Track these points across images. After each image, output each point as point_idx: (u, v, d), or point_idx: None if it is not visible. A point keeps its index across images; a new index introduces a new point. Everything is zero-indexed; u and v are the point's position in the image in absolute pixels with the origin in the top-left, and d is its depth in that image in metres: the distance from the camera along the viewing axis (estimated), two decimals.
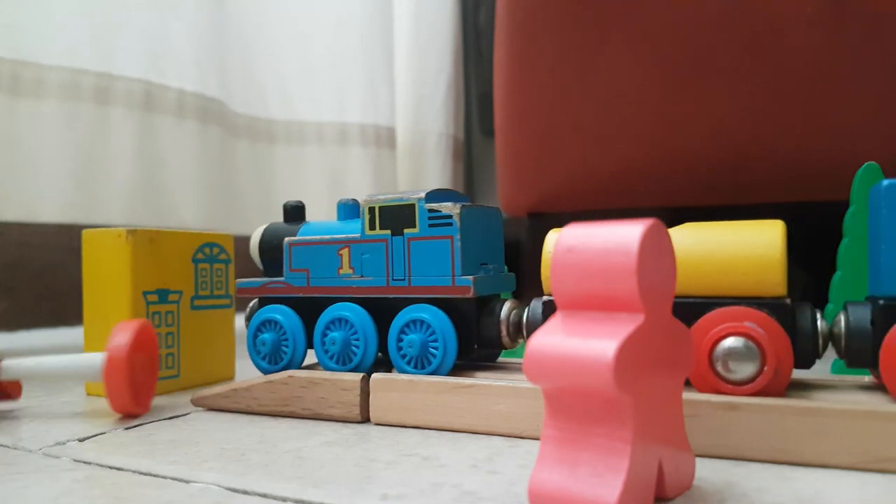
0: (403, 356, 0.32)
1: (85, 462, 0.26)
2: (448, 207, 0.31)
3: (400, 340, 0.32)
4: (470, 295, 0.31)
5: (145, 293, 0.39)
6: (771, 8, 0.47)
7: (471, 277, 0.31)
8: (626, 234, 0.19)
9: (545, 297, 0.30)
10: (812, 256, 0.39)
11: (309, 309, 0.35)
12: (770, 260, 0.26)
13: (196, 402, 0.36)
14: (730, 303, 0.26)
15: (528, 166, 0.62)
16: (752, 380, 0.25)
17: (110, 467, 0.26)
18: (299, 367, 0.35)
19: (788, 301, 0.25)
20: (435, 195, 0.33)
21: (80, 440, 0.30)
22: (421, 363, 0.32)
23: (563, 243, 0.20)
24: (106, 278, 0.39)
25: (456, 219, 0.31)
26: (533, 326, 0.30)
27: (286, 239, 0.36)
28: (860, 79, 0.45)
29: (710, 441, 0.25)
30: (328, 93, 0.93)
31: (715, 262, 0.27)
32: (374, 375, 0.32)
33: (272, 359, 0.35)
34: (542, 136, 0.60)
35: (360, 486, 0.23)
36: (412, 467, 0.25)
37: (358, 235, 0.34)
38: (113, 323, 0.35)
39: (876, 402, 0.24)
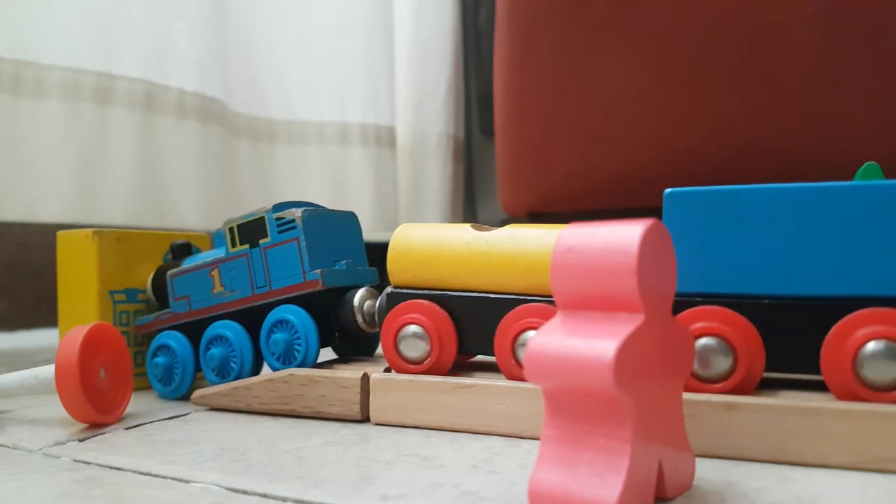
0: (273, 354, 0.35)
1: (85, 462, 0.26)
2: (292, 213, 0.35)
3: (269, 340, 0.35)
4: (319, 287, 0.34)
5: (112, 293, 0.40)
6: (771, 8, 0.47)
7: (318, 271, 0.34)
8: (626, 234, 0.19)
9: (389, 289, 0.33)
10: None
11: (196, 331, 0.38)
12: None
13: (196, 401, 0.36)
14: (537, 300, 0.29)
15: (527, 166, 0.62)
16: None
17: (110, 467, 0.26)
18: (188, 387, 0.38)
19: None
20: (283, 205, 0.36)
21: (80, 440, 0.30)
22: (288, 359, 0.35)
23: (563, 243, 0.20)
24: (76, 279, 0.40)
25: (299, 222, 0.35)
26: (382, 314, 0.33)
27: (168, 273, 0.39)
28: (860, 79, 0.45)
29: (710, 441, 0.25)
30: (329, 93, 0.93)
31: (525, 262, 0.30)
32: (375, 375, 0.32)
33: (165, 381, 0.39)
34: (542, 136, 0.60)
35: (360, 485, 0.23)
36: (412, 467, 0.25)
37: (224, 255, 0.37)
38: (83, 323, 0.34)
39: (876, 402, 0.24)
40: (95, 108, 0.65)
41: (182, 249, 0.41)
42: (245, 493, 0.22)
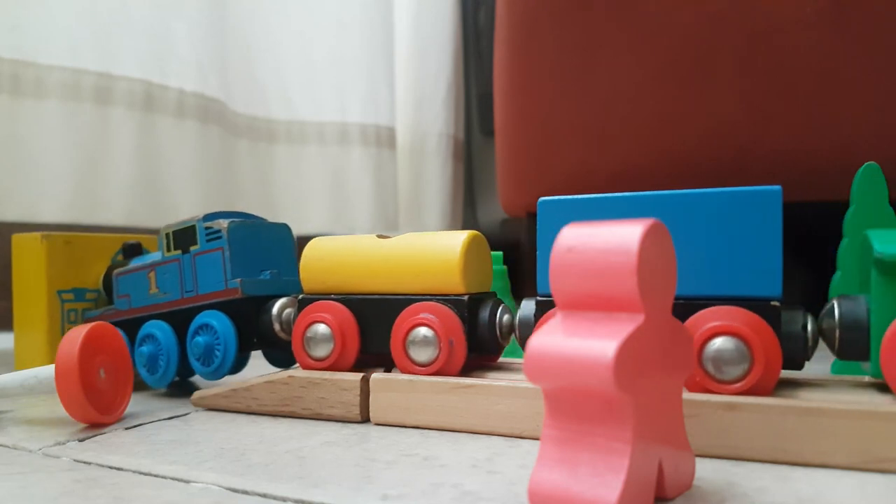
0: (195, 356, 0.37)
1: (85, 462, 0.26)
2: (219, 224, 0.37)
3: (192, 343, 0.37)
4: (239, 295, 0.36)
5: (60, 292, 0.42)
6: (771, 7, 0.47)
7: (238, 280, 0.36)
8: (626, 234, 0.19)
9: (301, 295, 0.35)
10: (812, 256, 0.39)
11: (134, 329, 0.40)
12: (451, 264, 0.31)
13: (196, 402, 0.36)
14: (421, 299, 0.32)
15: (528, 166, 0.62)
16: (431, 362, 0.31)
17: (110, 467, 0.26)
18: (173, 375, 0.39)
19: (466, 298, 0.31)
20: (214, 215, 0.38)
21: (80, 440, 0.30)
22: (208, 361, 0.37)
23: (562, 243, 0.20)
24: (28, 280, 0.42)
25: (224, 233, 0.37)
26: (281, 318, 0.36)
27: (114, 272, 0.42)
28: (860, 78, 0.45)
29: (710, 441, 0.25)
30: (329, 93, 0.93)
31: (417, 265, 0.32)
32: (374, 375, 0.32)
33: (151, 369, 0.40)
34: (542, 136, 0.60)
35: (360, 486, 0.23)
36: (412, 467, 0.25)
37: (160, 258, 0.40)
38: (33, 325, 0.35)
39: (876, 402, 0.24)
40: (95, 108, 0.65)
41: (132, 249, 0.44)
42: (245, 493, 0.22)
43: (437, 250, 0.32)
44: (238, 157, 0.83)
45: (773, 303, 0.25)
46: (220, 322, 0.36)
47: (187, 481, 0.24)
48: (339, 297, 0.34)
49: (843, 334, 0.25)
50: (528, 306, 0.31)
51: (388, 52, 1.00)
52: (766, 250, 0.25)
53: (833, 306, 0.26)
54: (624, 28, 0.52)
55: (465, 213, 1.15)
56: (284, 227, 0.40)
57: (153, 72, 0.70)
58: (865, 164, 0.28)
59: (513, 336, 0.32)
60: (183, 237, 0.39)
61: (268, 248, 0.39)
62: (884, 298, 0.24)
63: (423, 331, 0.31)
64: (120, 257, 0.45)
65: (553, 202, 0.29)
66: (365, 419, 0.32)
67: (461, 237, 0.32)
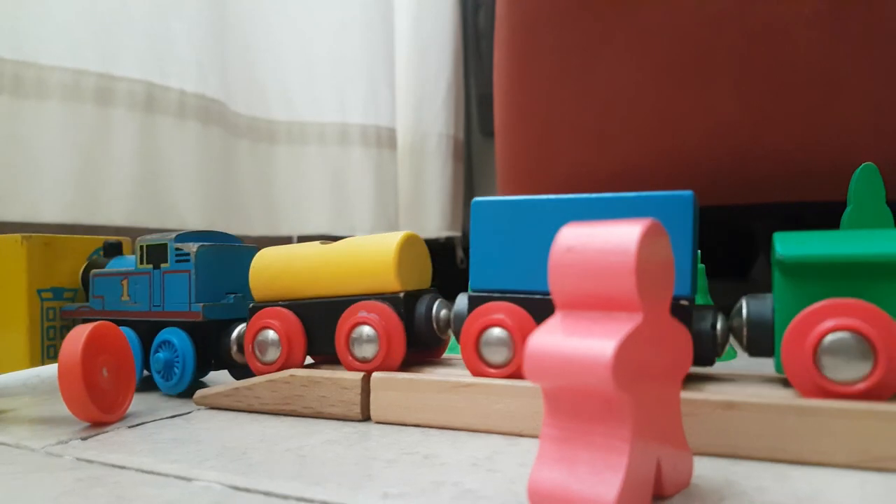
0: (156, 369, 0.39)
1: (87, 461, 0.26)
2: (188, 247, 0.39)
3: (154, 356, 0.39)
4: (200, 319, 0.38)
5: (39, 291, 0.43)
6: (770, 8, 0.47)
7: (201, 305, 0.38)
8: (624, 234, 0.19)
9: (252, 304, 0.37)
10: None
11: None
12: (386, 264, 0.33)
13: (198, 401, 0.36)
14: (361, 299, 0.33)
15: (528, 167, 0.62)
16: (371, 359, 0.33)
17: (112, 466, 0.26)
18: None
19: (402, 295, 0.33)
20: (186, 236, 0.40)
21: (83, 439, 0.30)
22: (167, 376, 0.39)
23: (561, 243, 0.20)
24: (8, 279, 0.43)
25: (192, 256, 0.39)
26: (239, 342, 0.38)
27: (92, 271, 0.43)
28: (860, 79, 0.45)
29: (708, 440, 0.25)
30: (329, 93, 0.93)
31: (355, 267, 0.34)
32: (375, 374, 0.32)
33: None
34: (541, 137, 0.60)
35: (360, 484, 0.23)
36: (413, 466, 0.25)
37: (133, 269, 0.41)
38: (13, 322, 0.37)
39: (875, 401, 0.24)
40: (96, 109, 0.65)
41: (113, 248, 0.46)
42: (247, 490, 0.22)
43: (374, 252, 0.34)
44: (239, 158, 0.83)
45: (682, 302, 0.27)
46: (180, 340, 0.38)
47: (189, 479, 0.24)
48: (287, 302, 0.36)
49: (750, 332, 0.27)
50: (462, 301, 0.32)
51: (389, 52, 1.00)
52: (678, 252, 0.26)
53: (741, 305, 0.27)
54: (624, 28, 0.53)
55: (465, 213, 1.15)
56: (254, 250, 0.42)
57: (154, 72, 0.70)
58: (863, 164, 0.29)
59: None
60: (155, 253, 0.40)
61: (236, 271, 0.40)
62: (785, 298, 0.26)
63: (364, 329, 0.33)
64: (101, 254, 0.46)
65: (485, 203, 0.31)
66: (366, 418, 0.32)
67: (396, 238, 0.34)
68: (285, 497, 0.22)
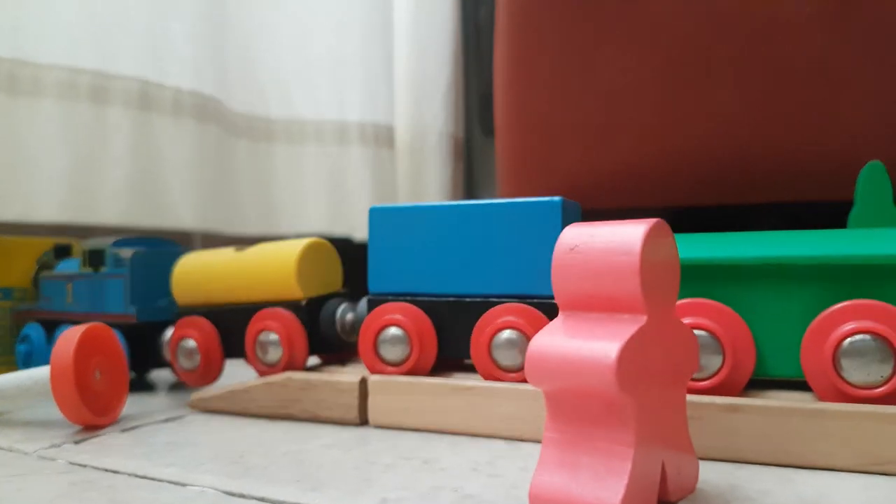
0: None
1: (80, 465, 0.26)
2: (125, 252, 0.41)
3: None
4: (133, 321, 0.40)
5: None
6: (773, 6, 0.46)
7: (134, 308, 0.40)
8: (628, 234, 0.18)
9: (177, 311, 0.38)
10: None
11: (51, 328, 0.44)
12: (288, 272, 0.35)
13: (193, 405, 0.36)
14: (265, 306, 0.35)
15: (528, 166, 0.62)
16: (276, 363, 0.34)
17: (106, 470, 0.25)
18: None
19: (304, 303, 0.35)
20: (125, 242, 0.42)
21: (76, 442, 0.29)
22: None
23: (564, 243, 0.20)
24: None
25: (127, 262, 0.41)
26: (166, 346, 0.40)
27: (41, 275, 0.46)
28: (865, 77, 0.44)
29: (713, 443, 0.24)
30: (327, 91, 0.92)
31: (263, 273, 0.36)
32: (373, 377, 0.31)
33: (26, 364, 0.44)
34: (542, 136, 0.59)
35: (359, 489, 0.22)
36: (412, 470, 0.24)
37: (77, 272, 0.44)
38: None
39: (879, 404, 0.24)
40: (92, 107, 0.65)
41: (62, 251, 0.49)
42: (242, 496, 0.22)
43: (278, 261, 0.35)
44: (236, 157, 0.83)
45: (554, 300, 0.27)
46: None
47: (184, 484, 0.23)
48: (206, 309, 0.37)
49: None
50: (362, 305, 0.34)
51: (388, 50, 0.99)
52: (548, 254, 0.27)
53: None
54: (625, 27, 0.52)
55: None
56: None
57: (150, 70, 0.69)
58: (869, 162, 0.28)
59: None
60: (95, 257, 0.43)
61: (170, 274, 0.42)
62: None
63: (269, 335, 0.34)
64: (51, 256, 0.48)
65: (381, 210, 0.33)
66: (363, 421, 0.32)
67: (298, 247, 0.35)
68: (282, 503, 0.21)
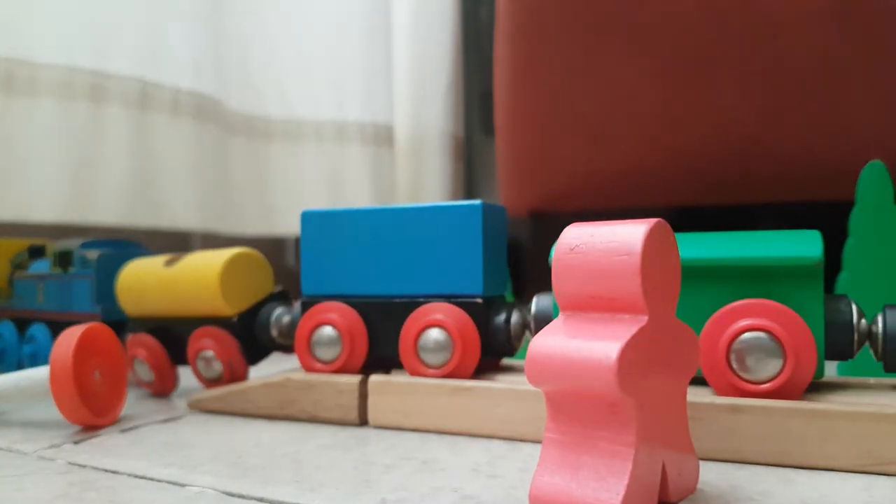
0: None
1: (80, 465, 0.26)
2: (91, 254, 0.43)
3: None
4: (99, 320, 0.41)
5: None
6: (775, 3, 0.46)
7: (100, 307, 0.42)
8: (629, 234, 0.18)
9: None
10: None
11: (24, 326, 0.47)
12: (212, 292, 0.35)
13: (192, 405, 0.36)
14: (201, 320, 0.36)
15: (529, 165, 0.62)
16: (219, 378, 0.36)
17: (105, 470, 0.25)
18: (13, 369, 0.43)
19: (235, 319, 0.36)
20: (93, 244, 0.44)
21: (75, 443, 0.29)
22: None
23: (565, 243, 0.20)
24: None
25: (93, 263, 0.42)
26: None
27: (15, 274, 0.48)
28: (866, 76, 0.44)
29: (713, 444, 0.24)
30: (326, 90, 0.92)
31: (185, 290, 0.36)
32: (373, 378, 0.31)
33: None
34: (543, 135, 0.59)
35: (358, 489, 0.22)
36: (411, 471, 0.24)
37: (47, 272, 0.45)
38: None
39: (881, 404, 0.24)
40: (89, 107, 0.65)
41: (37, 251, 0.51)
42: (241, 496, 0.22)
43: (202, 280, 0.36)
44: (234, 156, 0.82)
45: (477, 300, 0.30)
46: None
47: (183, 485, 0.23)
48: (152, 324, 0.38)
49: (538, 326, 0.30)
50: (297, 308, 0.35)
51: (387, 49, 0.99)
52: (470, 256, 0.30)
53: (532, 304, 0.31)
54: (626, 26, 0.52)
55: None
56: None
57: (148, 70, 0.69)
58: (870, 162, 0.28)
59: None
60: (64, 258, 0.44)
61: None
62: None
63: (207, 353, 0.36)
64: (25, 257, 0.50)
65: (313, 214, 0.34)
66: (363, 422, 0.32)
67: (218, 266, 0.35)
68: (281, 503, 0.21)
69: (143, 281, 0.39)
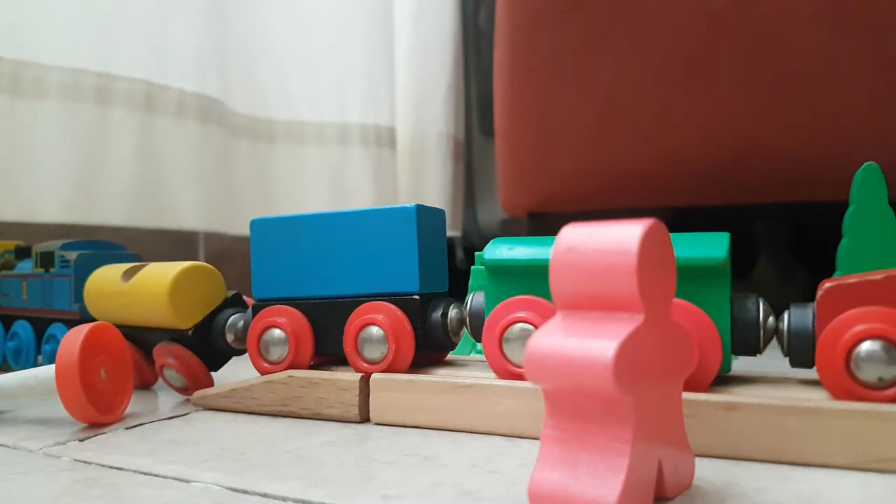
0: (47, 360, 0.45)
1: (85, 462, 0.26)
2: (70, 255, 0.45)
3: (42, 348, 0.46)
4: (78, 317, 0.43)
5: None
6: (771, 6, 0.47)
7: (77, 305, 0.44)
8: (626, 234, 0.19)
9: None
10: (812, 256, 0.39)
11: (9, 323, 0.50)
12: (163, 308, 0.36)
13: (196, 402, 0.36)
14: (161, 331, 0.37)
15: (528, 166, 0.62)
16: (185, 387, 0.37)
17: (110, 467, 0.26)
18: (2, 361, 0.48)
19: (190, 333, 0.37)
20: (73, 245, 0.46)
21: (81, 440, 0.30)
22: None
23: (562, 243, 0.20)
24: None
25: (72, 264, 0.45)
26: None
27: (1, 272, 0.51)
28: (861, 78, 0.45)
29: (709, 441, 0.25)
30: (329, 93, 0.93)
31: (143, 308, 0.37)
32: (374, 375, 0.32)
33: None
34: (542, 136, 0.60)
35: (360, 485, 0.23)
36: (412, 467, 0.25)
37: (30, 271, 0.48)
38: None
39: (875, 402, 0.24)
40: (95, 108, 0.65)
41: (23, 251, 0.53)
42: (245, 492, 0.22)
43: (154, 297, 0.37)
44: (238, 158, 0.83)
45: (414, 297, 0.32)
46: (62, 335, 0.41)
47: (187, 481, 0.24)
48: (125, 331, 0.38)
49: (472, 322, 0.32)
50: (248, 313, 0.36)
51: (388, 51, 1.00)
52: (406, 256, 0.32)
53: (467, 301, 0.32)
54: (624, 28, 0.52)
55: (466, 213, 1.15)
56: (136, 258, 0.48)
57: (153, 72, 0.70)
58: (865, 164, 0.28)
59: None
60: (46, 259, 0.46)
61: None
62: (493, 293, 0.31)
63: (170, 369, 0.37)
64: (12, 256, 0.53)
65: (262, 221, 0.35)
66: (364, 419, 0.32)
67: (166, 284, 0.36)
68: (284, 499, 0.22)
69: (104, 291, 0.40)
